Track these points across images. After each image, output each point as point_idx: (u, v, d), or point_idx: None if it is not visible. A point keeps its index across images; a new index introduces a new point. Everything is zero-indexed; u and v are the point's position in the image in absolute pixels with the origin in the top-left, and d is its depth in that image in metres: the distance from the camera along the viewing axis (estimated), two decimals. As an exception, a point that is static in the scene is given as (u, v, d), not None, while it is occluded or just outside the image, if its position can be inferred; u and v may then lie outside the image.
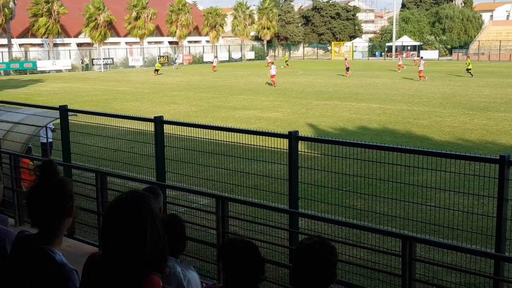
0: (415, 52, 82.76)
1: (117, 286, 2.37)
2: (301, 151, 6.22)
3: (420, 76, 42.34)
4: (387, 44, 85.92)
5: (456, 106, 26.70)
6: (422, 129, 20.29)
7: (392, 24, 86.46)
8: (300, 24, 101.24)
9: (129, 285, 2.35)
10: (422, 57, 50.23)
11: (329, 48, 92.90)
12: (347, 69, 48.79)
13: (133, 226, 2.34)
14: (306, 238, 3.03)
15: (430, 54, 78.22)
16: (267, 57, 68.51)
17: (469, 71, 44.67)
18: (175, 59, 68.99)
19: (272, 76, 39.56)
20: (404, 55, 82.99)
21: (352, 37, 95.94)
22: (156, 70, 56.33)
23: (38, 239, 2.71)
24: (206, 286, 3.64)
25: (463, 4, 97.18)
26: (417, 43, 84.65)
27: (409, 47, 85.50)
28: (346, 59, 58.43)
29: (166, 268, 3.24)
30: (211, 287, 3.49)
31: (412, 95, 31.82)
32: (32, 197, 2.71)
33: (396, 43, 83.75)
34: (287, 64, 65.99)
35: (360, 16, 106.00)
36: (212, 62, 66.16)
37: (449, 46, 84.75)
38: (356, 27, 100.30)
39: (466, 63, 46.95)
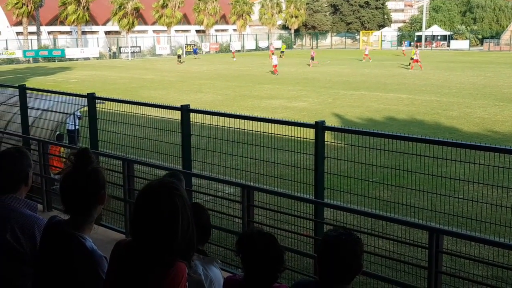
0: (445, 42, 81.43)
1: (144, 273, 2.38)
2: (327, 141, 6.17)
3: (411, 65, 43.28)
4: (417, 33, 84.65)
5: (487, 97, 26.23)
6: (451, 120, 20.00)
7: (422, 13, 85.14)
8: (328, 13, 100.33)
9: (157, 272, 2.35)
10: (417, 46, 51.23)
11: (357, 37, 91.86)
12: (312, 58, 48.81)
13: (165, 213, 2.35)
14: (331, 229, 3.00)
15: (460, 44, 76.90)
16: (271, 47, 65.40)
17: (412, 61, 44.32)
18: (195, 49, 68.21)
19: (274, 66, 40.44)
20: (434, 44, 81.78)
21: (381, 26, 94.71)
22: (179, 56, 56.02)
23: (69, 225, 2.74)
24: (228, 277, 3.63)
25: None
26: (447, 33, 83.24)
27: (439, 37, 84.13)
28: (312, 48, 58.76)
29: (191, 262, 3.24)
30: (232, 278, 3.47)
31: (441, 85, 31.35)
32: (66, 183, 2.74)
33: (425, 32, 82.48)
34: (282, 55, 58.41)
35: (390, 5, 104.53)
36: (232, 51, 66.19)
37: (480, 36, 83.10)
38: (385, 16, 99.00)
39: (412, 52, 47.10)
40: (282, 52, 62.04)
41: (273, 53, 47.94)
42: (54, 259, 2.72)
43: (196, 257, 3.29)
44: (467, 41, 77.92)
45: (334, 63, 51.20)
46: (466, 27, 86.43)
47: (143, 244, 2.38)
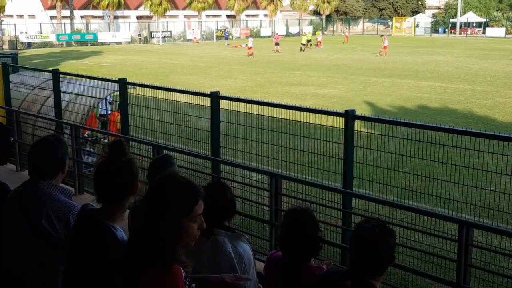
0: (480, 29, 79.66)
1: (147, 267, 2.39)
2: (357, 130, 6.12)
3: (380, 51, 43.98)
4: (451, 20, 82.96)
5: (522, 86, 25.66)
6: (484, 109, 19.61)
7: (457, 0, 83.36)
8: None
9: (151, 275, 2.36)
10: (382, 34, 55.69)
11: (390, 23, 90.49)
12: (277, 43, 48.43)
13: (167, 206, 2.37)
14: (363, 220, 3.00)
15: (496, 31, 75.11)
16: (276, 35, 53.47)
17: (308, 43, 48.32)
18: (226, 35, 67.69)
19: (249, 48, 44.00)
20: (469, 31, 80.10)
21: (414, 13, 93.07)
22: (303, 44, 49.59)
23: (101, 213, 2.80)
24: (271, 252, 3.74)
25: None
26: (483, 20, 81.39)
27: (474, 24, 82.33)
28: (277, 33, 57.41)
29: (217, 241, 3.30)
30: (274, 253, 3.56)
31: (475, 74, 30.74)
32: (100, 174, 2.82)
33: (460, 19, 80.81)
34: (304, 47, 49.75)
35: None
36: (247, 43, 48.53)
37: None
38: (419, 2, 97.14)
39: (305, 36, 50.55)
40: (303, 44, 49.68)
41: (251, 36, 48.54)
42: (85, 247, 2.79)
43: (224, 233, 3.35)
44: (503, 29, 76.04)
45: (366, 49, 50.60)
46: (502, 14, 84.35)
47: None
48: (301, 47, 48.85)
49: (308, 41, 51.80)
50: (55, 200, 3.28)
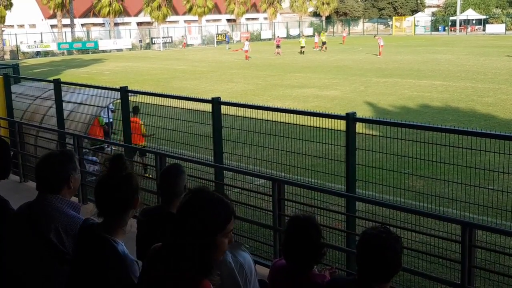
0: (480, 26, 79.54)
1: (178, 279, 2.39)
2: (358, 132, 6.13)
3: (380, 52, 43.59)
4: (451, 18, 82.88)
5: (524, 82, 25.62)
6: (486, 107, 19.59)
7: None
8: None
9: (189, 279, 2.36)
10: (376, 34, 56.34)
11: (390, 23, 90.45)
12: (278, 46, 48.48)
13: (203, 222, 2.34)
14: (371, 227, 3.02)
15: (496, 28, 74.94)
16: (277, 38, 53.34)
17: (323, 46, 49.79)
18: (227, 39, 67.63)
19: (246, 51, 45.68)
20: (469, 29, 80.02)
21: (414, 12, 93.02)
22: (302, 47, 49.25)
23: (102, 228, 2.83)
24: (275, 261, 3.75)
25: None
26: (483, 17, 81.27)
27: (474, 21, 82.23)
28: (278, 36, 56.89)
29: None
30: (278, 261, 3.58)
31: (476, 71, 30.70)
32: (100, 188, 2.85)
33: (460, 17, 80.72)
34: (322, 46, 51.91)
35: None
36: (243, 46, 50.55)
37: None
38: (419, 1, 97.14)
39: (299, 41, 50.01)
40: (302, 47, 49.21)
41: (246, 39, 49.09)
42: (87, 262, 2.80)
43: None
44: (503, 25, 75.89)
45: (366, 50, 50.59)
46: (501, 10, 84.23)
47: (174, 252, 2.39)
48: (301, 50, 48.82)
49: (323, 43, 51.75)
50: (63, 214, 3.30)
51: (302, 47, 49.06)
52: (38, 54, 58.35)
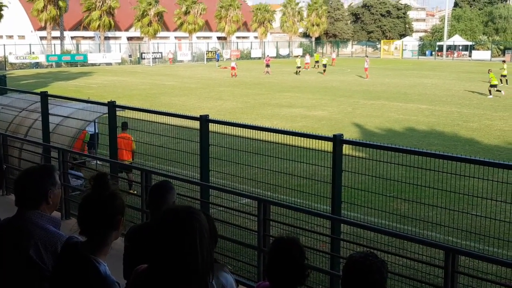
0: (466, 52, 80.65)
1: None
2: (345, 154, 6.16)
3: (366, 74, 43.90)
4: (438, 43, 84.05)
5: (508, 109, 25.94)
6: (471, 132, 19.80)
7: (444, 23, 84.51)
8: (349, 21, 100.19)
9: None
10: (367, 56, 54.88)
11: (378, 46, 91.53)
12: (267, 65, 48.83)
13: (186, 237, 2.32)
14: (356, 252, 3.03)
15: (482, 54, 76.08)
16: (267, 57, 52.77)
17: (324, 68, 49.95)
18: (217, 57, 67.99)
19: (232, 68, 46.44)
20: (455, 54, 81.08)
21: (402, 36, 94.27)
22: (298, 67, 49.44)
23: (85, 247, 2.79)
24: (258, 284, 3.73)
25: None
26: (469, 43, 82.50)
27: (460, 47, 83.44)
28: (268, 55, 57.40)
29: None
30: (261, 284, 3.56)
31: (462, 96, 31.08)
32: (83, 206, 2.81)
33: (447, 42, 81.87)
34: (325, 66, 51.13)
35: (411, 14, 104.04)
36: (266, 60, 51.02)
37: (502, 47, 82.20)
38: (407, 26, 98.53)
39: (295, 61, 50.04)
40: (298, 67, 49.15)
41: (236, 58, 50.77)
42: (67, 280, 2.77)
43: None
44: (489, 52, 77.15)
45: (354, 71, 51.02)
46: (488, 37, 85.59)
47: (160, 269, 2.36)
48: (297, 70, 48.89)
49: (324, 65, 50.81)
50: (43, 229, 3.25)
51: (298, 68, 49.15)
52: (37, 65, 58.07)
